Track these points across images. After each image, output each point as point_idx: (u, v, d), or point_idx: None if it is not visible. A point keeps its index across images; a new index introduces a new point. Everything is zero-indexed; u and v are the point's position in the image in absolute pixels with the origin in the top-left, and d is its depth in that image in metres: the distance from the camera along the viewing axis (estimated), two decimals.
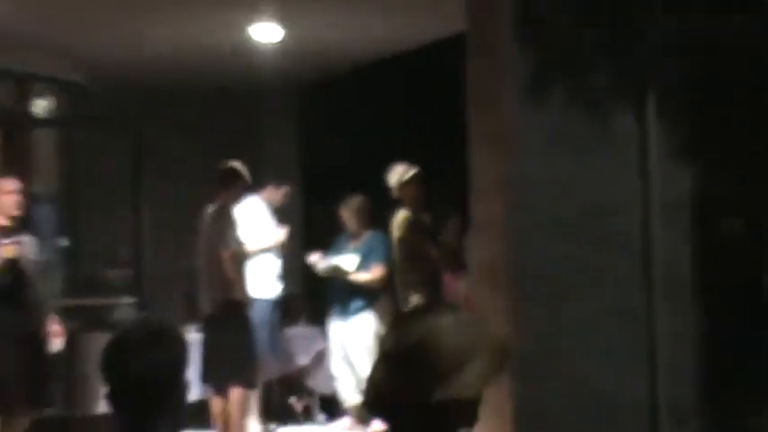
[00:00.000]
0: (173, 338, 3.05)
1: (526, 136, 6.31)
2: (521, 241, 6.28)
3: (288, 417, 10.20)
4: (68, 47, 9.81)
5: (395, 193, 9.26)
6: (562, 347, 6.28)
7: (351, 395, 9.47)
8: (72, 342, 8.43)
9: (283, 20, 9.18)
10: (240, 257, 8.81)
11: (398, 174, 9.20)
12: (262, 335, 9.09)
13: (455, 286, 8.61)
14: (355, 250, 9.54)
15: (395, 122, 10.32)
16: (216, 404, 8.74)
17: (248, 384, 8.78)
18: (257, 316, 9.01)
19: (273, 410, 10.04)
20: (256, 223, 9.45)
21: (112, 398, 2.97)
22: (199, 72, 10.82)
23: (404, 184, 9.18)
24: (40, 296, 7.91)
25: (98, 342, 3.76)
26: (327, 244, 9.72)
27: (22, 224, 8.05)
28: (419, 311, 2.67)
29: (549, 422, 6.27)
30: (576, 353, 6.29)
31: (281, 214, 9.77)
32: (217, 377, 8.70)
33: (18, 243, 7.66)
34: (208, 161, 9.46)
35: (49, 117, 10.64)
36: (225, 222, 8.73)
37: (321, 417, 10.26)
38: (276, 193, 9.76)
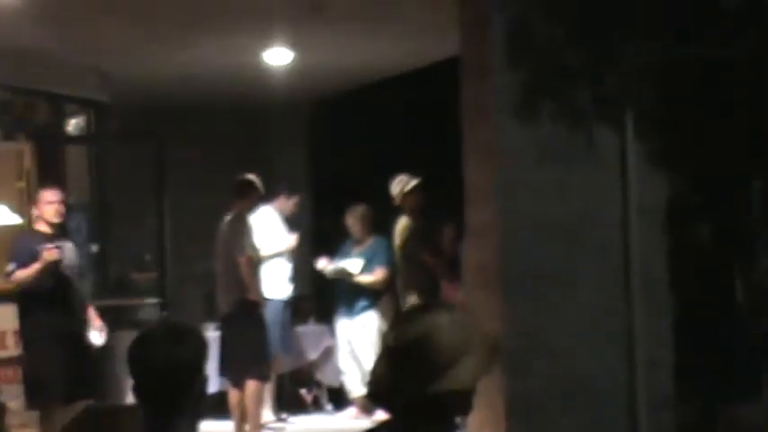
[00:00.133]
0: (193, 336, 3.06)
1: (515, 149, 6.32)
2: (510, 245, 6.30)
3: (298, 407, 10.18)
4: (97, 69, 9.83)
5: (397, 202, 9.25)
6: (548, 342, 6.29)
7: (356, 387, 9.45)
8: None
9: (294, 45, 9.20)
10: (255, 261, 8.80)
11: (401, 184, 9.20)
12: (274, 332, 9.08)
13: (453, 295, 8.53)
14: (360, 254, 9.53)
15: (396, 137, 10.31)
16: (233, 396, 8.72)
17: (262, 378, 8.76)
18: (270, 315, 8.99)
19: (285, 401, 10.01)
20: (269, 230, 9.43)
21: (138, 390, 2.98)
22: (216, 91, 10.82)
23: (406, 194, 9.17)
24: (79, 297, 7.90)
25: (125, 339, 3.75)
26: (334, 249, 9.71)
27: (62, 231, 8.04)
28: (418, 311, 2.67)
29: (537, 409, 6.28)
30: (561, 347, 6.30)
31: (292, 222, 9.75)
32: (234, 371, 8.69)
33: (59, 248, 7.63)
34: (225, 173, 9.45)
35: (80, 134, 10.64)
36: (241, 229, 8.73)
37: (329, 407, 10.24)
38: (287, 203, 9.74)
